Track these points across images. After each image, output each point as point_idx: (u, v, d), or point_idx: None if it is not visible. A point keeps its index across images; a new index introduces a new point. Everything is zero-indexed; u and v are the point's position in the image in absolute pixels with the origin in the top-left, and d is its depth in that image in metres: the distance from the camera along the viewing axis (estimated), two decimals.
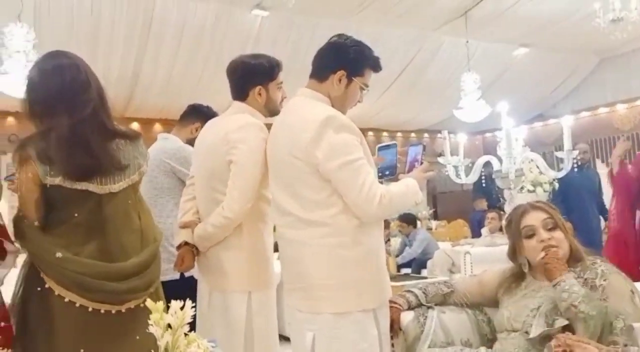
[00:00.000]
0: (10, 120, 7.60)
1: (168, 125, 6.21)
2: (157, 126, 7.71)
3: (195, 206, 2.23)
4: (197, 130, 2.80)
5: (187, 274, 2.45)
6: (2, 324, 1.50)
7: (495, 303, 1.98)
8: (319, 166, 1.72)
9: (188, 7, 6.36)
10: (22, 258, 1.67)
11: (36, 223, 1.60)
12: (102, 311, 1.59)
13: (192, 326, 1.18)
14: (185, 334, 1.14)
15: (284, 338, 2.29)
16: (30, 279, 1.61)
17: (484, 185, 5.61)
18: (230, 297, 2.08)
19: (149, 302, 1.16)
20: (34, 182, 1.58)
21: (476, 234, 7.07)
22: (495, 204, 6.11)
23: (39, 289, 1.58)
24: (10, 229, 1.60)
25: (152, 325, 1.13)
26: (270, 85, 2.17)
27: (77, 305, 1.57)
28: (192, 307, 1.16)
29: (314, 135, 1.71)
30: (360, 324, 1.73)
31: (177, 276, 2.48)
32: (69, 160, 1.57)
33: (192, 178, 2.30)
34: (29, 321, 1.60)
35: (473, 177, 3.96)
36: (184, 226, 2.19)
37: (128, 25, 6.30)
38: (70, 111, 1.61)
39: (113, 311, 1.61)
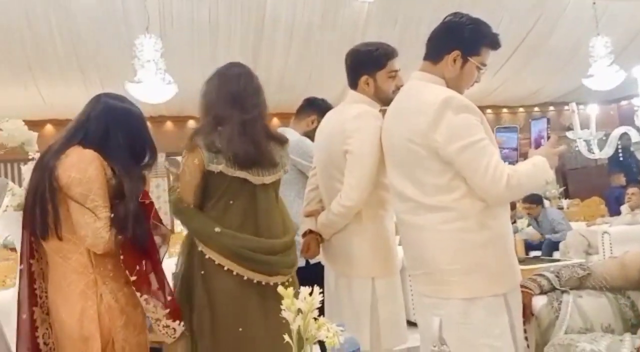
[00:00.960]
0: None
1: (285, 119, 6.42)
2: (275, 120, 8.00)
3: (319, 195, 2.31)
4: (313, 122, 2.88)
5: (312, 261, 2.55)
6: (169, 298, 1.70)
7: None
8: (440, 150, 1.68)
9: (296, 4, 6.52)
10: None
11: (192, 207, 1.89)
12: (255, 281, 1.84)
13: (321, 310, 1.23)
14: (315, 319, 1.19)
15: (410, 323, 2.30)
16: (192, 253, 1.90)
17: (621, 159, 5.18)
18: (354, 282, 2.12)
19: (281, 289, 1.22)
20: (198, 169, 1.84)
21: (614, 212, 6.52)
22: (635, 179, 5.58)
23: (200, 260, 1.85)
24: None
25: (284, 310, 1.20)
26: (379, 74, 2.15)
27: (234, 273, 1.82)
28: (320, 292, 1.20)
29: (432, 118, 1.67)
30: (491, 310, 1.68)
31: (303, 263, 2.59)
32: (235, 150, 1.83)
33: (315, 168, 2.38)
34: (194, 295, 1.85)
35: (608, 151, 3.64)
36: (308, 215, 2.28)
37: (242, 28, 6.62)
38: (242, 111, 1.88)
39: (263, 283, 1.85)
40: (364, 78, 2.15)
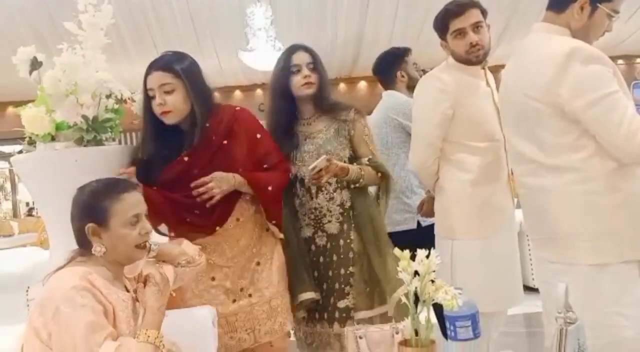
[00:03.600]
0: (259, 92, 8.65)
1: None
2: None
3: None
4: (403, 76, 2.84)
5: (424, 224, 2.54)
6: None
7: None
8: (565, 106, 1.56)
9: None
10: None
11: None
12: None
13: None
14: (432, 281, 1.19)
15: (528, 289, 2.21)
16: None
17: None
18: (437, 243, 2.17)
19: (397, 251, 1.23)
20: None
21: None
22: None
23: None
24: None
25: (401, 271, 1.21)
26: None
27: None
28: (437, 256, 1.20)
29: (557, 71, 1.54)
30: (622, 277, 1.56)
31: (414, 225, 2.59)
32: None
33: None
34: None
35: None
36: None
37: None
38: None
39: None
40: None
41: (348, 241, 2.10)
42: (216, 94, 1.96)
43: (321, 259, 2.10)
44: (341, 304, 2.06)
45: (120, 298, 1.32)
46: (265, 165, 1.94)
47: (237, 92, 8.63)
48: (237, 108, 1.96)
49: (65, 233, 1.78)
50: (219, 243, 1.88)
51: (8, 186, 12.90)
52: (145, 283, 1.41)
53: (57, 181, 1.81)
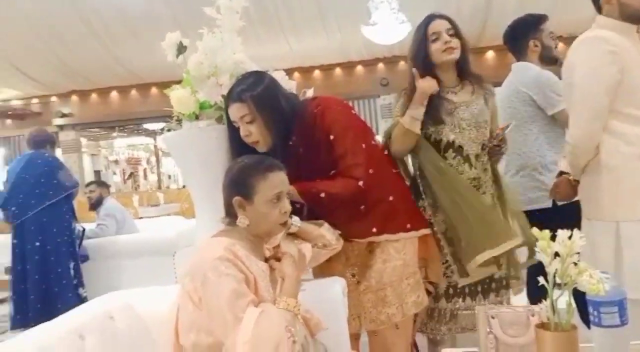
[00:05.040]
0: (381, 66, 8.59)
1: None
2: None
3: None
4: (536, 46, 2.63)
5: (560, 203, 2.39)
6: None
7: None
8: None
9: None
10: None
11: None
12: None
13: None
14: (575, 264, 1.13)
15: None
16: None
17: None
18: (596, 226, 1.94)
19: (535, 230, 1.18)
20: None
21: None
22: None
23: None
24: None
25: (539, 252, 1.16)
26: None
27: None
28: (581, 237, 1.13)
29: None
30: None
31: (549, 204, 2.45)
32: None
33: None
34: None
35: None
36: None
37: None
38: None
39: None
40: None
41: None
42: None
43: None
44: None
45: (260, 268, 1.42)
46: (332, 172, 1.81)
47: (359, 68, 8.65)
48: (317, 108, 1.82)
49: (208, 203, 1.95)
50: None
51: (153, 159, 14.22)
52: (280, 258, 1.50)
53: (200, 155, 1.97)
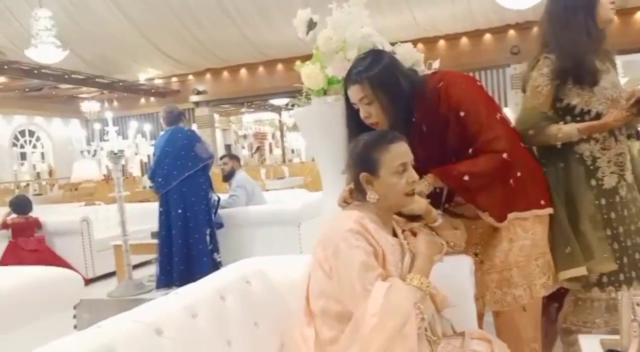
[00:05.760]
0: (511, 33, 8.08)
1: None
2: None
3: None
4: None
5: None
6: None
7: None
8: None
9: None
10: None
11: None
12: None
13: None
14: None
15: None
16: None
17: None
18: None
19: None
20: None
21: None
22: None
23: None
24: None
25: None
26: None
27: None
28: None
29: None
30: None
31: None
32: None
33: None
34: None
35: None
36: None
37: None
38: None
39: None
40: None
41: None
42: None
43: (625, 213, 1.91)
44: None
45: (389, 242, 1.43)
46: (470, 150, 1.71)
47: (487, 36, 8.21)
48: (440, 84, 1.74)
49: (334, 176, 2.00)
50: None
51: (278, 134, 14.81)
52: (416, 233, 1.50)
53: (328, 130, 2.01)
